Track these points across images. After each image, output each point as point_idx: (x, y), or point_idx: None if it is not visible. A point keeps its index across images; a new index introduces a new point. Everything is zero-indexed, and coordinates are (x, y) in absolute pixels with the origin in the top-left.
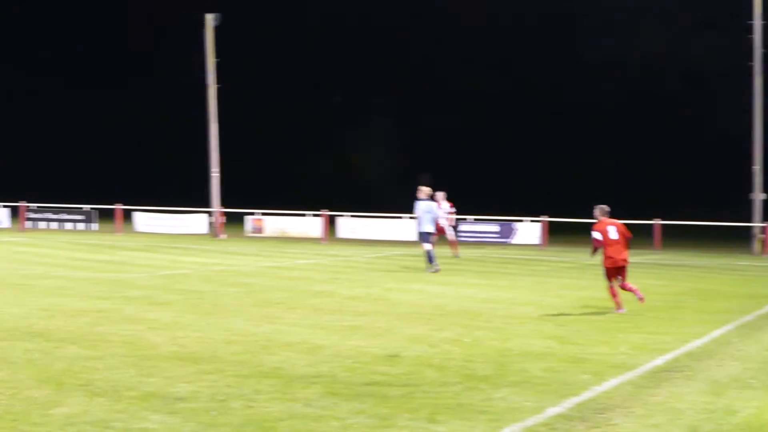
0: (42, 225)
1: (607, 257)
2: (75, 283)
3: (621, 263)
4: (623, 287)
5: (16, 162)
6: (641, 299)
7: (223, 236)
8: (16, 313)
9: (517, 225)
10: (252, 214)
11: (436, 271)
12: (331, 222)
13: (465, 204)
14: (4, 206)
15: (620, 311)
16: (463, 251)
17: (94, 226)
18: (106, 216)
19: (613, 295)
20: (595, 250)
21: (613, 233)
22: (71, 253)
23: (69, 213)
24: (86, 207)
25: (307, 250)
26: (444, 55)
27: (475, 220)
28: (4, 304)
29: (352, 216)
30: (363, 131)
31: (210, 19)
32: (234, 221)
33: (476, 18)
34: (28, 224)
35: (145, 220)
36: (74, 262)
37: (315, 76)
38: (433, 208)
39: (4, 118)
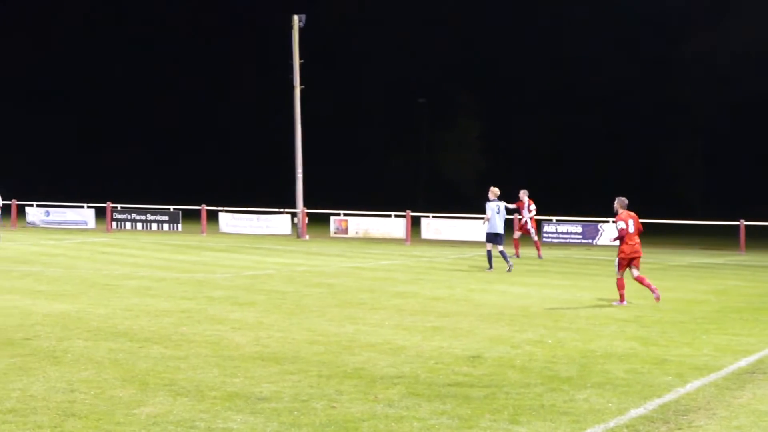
0: (127, 225)
1: (623, 248)
2: (159, 284)
3: (635, 255)
4: (640, 281)
5: (103, 163)
6: (657, 298)
7: (307, 237)
8: (100, 313)
9: (601, 226)
10: (336, 214)
11: (489, 270)
12: (414, 223)
13: (549, 205)
14: (90, 207)
15: (622, 303)
16: (546, 252)
17: (179, 226)
18: (191, 217)
19: (620, 286)
20: (618, 238)
21: (631, 226)
22: (156, 253)
23: (154, 214)
24: (171, 208)
25: (390, 250)
26: (528, 56)
27: (558, 221)
28: (89, 304)
29: (436, 217)
30: (447, 132)
31: (296, 20)
32: (318, 222)
33: (560, 19)
34: (114, 225)
35: (229, 220)
36: (159, 262)
37: (400, 77)
38: (503, 209)
39: (92, 119)
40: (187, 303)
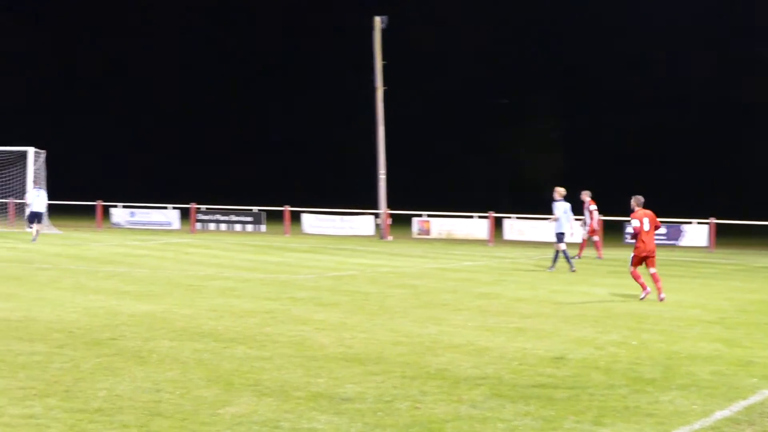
0: (211, 226)
1: (638, 245)
2: (243, 284)
3: (649, 253)
4: (654, 278)
5: (187, 164)
6: (661, 299)
7: (390, 238)
8: (186, 313)
9: (685, 227)
10: (419, 215)
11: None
12: (497, 224)
13: (630, 206)
14: (175, 208)
15: (646, 291)
16: (628, 253)
17: (263, 227)
18: (275, 217)
19: (637, 277)
20: (634, 236)
21: (646, 224)
22: (240, 254)
23: (238, 215)
24: (255, 209)
25: (473, 251)
26: (608, 56)
27: None
28: (174, 304)
29: (519, 218)
30: (529, 132)
31: (378, 22)
32: (401, 223)
33: (638, 19)
34: (198, 226)
35: (312, 221)
36: (242, 263)
37: (481, 78)
38: (569, 210)
39: (175, 121)
40: (271, 304)
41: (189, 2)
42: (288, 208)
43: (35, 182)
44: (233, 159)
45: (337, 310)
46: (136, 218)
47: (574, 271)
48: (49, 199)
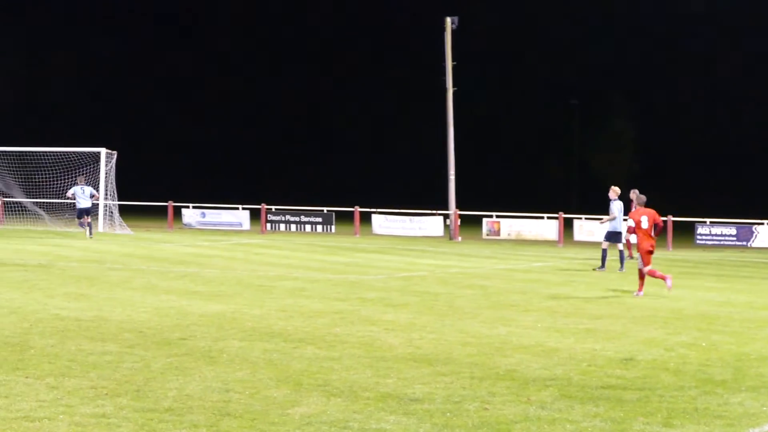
0: (281, 227)
1: (641, 244)
2: (313, 285)
3: (652, 248)
4: (640, 272)
5: (257, 165)
6: (637, 293)
7: (459, 239)
8: (255, 314)
9: (756, 228)
10: (489, 216)
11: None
12: (567, 224)
13: (702, 206)
14: (245, 209)
15: (667, 284)
16: (700, 255)
17: (332, 228)
18: (344, 218)
19: (654, 274)
20: (630, 233)
21: (644, 223)
22: (309, 254)
23: (307, 215)
24: (324, 209)
25: (542, 252)
26: (677, 55)
27: (712, 222)
28: (244, 305)
29: (588, 218)
30: (601, 133)
31: (448, 23)
32: (470, 223)
33: (712, 18)
34: (268, 226)
35: (382, 222)
36: (312, 263)
37: (551, 79)
38: (623, 209)
39: (246, 122)
40: (340, 304)
41: (261, 8)
42: (357, 209)
43: (79, 180)
44: (303, 160)
45: (407, 310)
46: (206, 219)
47: (603, 269)
48: (120, 200)
